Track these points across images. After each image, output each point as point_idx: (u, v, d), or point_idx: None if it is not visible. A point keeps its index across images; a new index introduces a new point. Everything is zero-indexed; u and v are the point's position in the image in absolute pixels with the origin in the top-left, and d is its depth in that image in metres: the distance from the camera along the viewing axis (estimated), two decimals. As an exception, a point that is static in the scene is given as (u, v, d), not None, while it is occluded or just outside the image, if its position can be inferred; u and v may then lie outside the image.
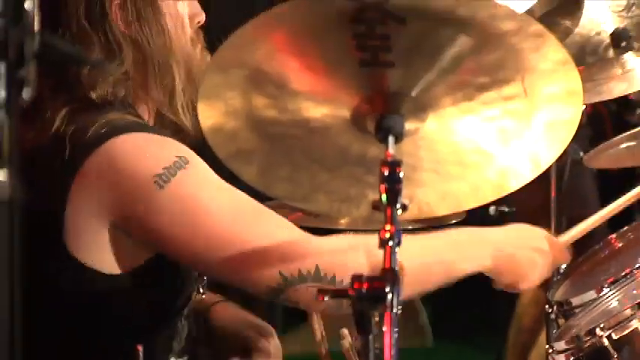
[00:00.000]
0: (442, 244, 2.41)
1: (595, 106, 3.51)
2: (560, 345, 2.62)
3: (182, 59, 2.51)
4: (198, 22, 2.53)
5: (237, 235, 2.37)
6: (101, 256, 2.41)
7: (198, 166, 2.38)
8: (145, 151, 2.39)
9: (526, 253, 2.44)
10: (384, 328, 1.94)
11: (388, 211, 1.96)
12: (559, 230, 3.07)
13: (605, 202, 3.97)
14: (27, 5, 1.83)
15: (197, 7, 2.53)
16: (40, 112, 2.41)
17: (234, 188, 2.40)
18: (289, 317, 3.62)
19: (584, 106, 2.67)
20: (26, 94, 1.80)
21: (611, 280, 2.76)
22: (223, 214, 2.36)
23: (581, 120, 2.17)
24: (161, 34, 2.47)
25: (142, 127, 2.42)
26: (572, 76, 2.04)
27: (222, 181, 2.39)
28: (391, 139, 2.00)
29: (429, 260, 2.38)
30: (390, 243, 1.95)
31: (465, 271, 2.40)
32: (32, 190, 2.29)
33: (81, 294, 2.42)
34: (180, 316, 2.55)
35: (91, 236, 2.40)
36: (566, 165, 3.03)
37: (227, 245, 2.37)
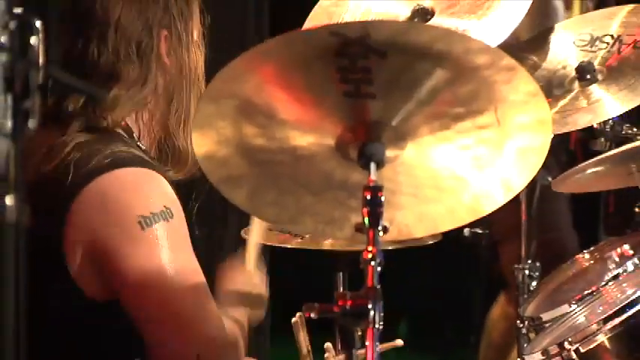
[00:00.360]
0: None
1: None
2: (532, 358, 2.62)
3: (199, 91, 2.55)
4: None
5: (176, 301, 2.41)
6: (93, 283, 2.41)
7: (178, 223, 2.41)
8: (140, 189, 2.42)
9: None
10: (367, 343, 1.94)
11: (370, 234, 1.97)
12: (528, 252, 3.08)
13: (577, 226, 3.99)
14: (32, 40, 1.84)
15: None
16: (56, 138, 2.44)
17: (193, 256, 2.45)
18: (277, 331, 3.63)
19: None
20: (31, 124, 1.80)
21: (579, 297, 2.76)
22: (178, 277, 2.39)
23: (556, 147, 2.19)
24: (190, 67, 2.52)
25: (144, 164, 2.44)
26: (541, 107, 2.04)
27: (188, 244, 2.45)
28: (373, 165, 2.01)
29: None
30: (372, 263, 1.96)
31: None
32: (36, 211, 2.37)
33: (81, 314, 2.42)
34: None
35: (82, 260, 2.41)
36: (536, 190, 3.03)
37: (165, 307, 2.41)
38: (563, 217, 3.88)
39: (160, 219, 2.38)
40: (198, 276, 2.46)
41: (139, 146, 2.51)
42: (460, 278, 4.59)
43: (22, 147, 1.73)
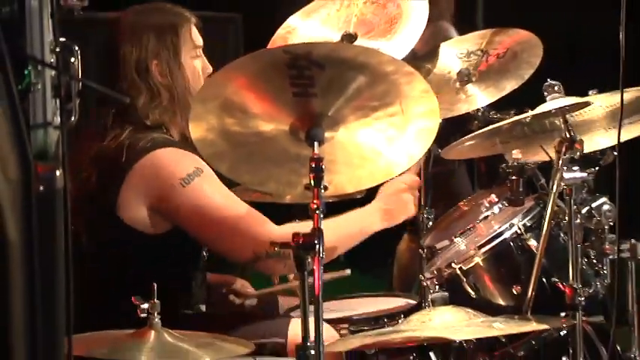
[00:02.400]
0: (351, 224, 2.45)
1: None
2: (429, 275, 2.62)
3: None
4: (208, 73, 2.50)
5: (226, 222, 2.36)
6: (144, 222, 2.38)
7: (208, 173, 2.35)
8: (175, 161, 2.38)
9: (393, 200, 2.49)
10: (314, 267, 1.92)
11: (315, 191, 1.95)
12: (427, 201, 3.04)
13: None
14: (72, 60, 1.79)
15: (206, 63, 2.51)
16: (114, 130, 2.40)
17: (228, 190, 2.39)
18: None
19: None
20: (73, 120, 1.76)
21: (461, 231, 2.76)
22: (219, 208, 2.34)
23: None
24: (184, 82, 2.43)
25: (173, 144, 2.40)
26: (432, 101, 2.03)
27: (221, 184, 2.38)
28: (316, 144, 1.98)
29: (344, 235, 2.43)
30: (317, 212, 1.94)
31: (367, 234, 2.48)
32: (98, 175, 2.39)
33: (125, 247, 2.39)
34: (198, 267, 2.53)
35: (136, 210, 2.38)
36: (430, 158, 3.00)
37: (220, 228, 2.36)
38: (466, 184, 3.84)
39: (194, 176, 2.34)
40: (236, 200, 2.41)
41: (169, 135, 2.46)
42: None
43: (66, 136, 1.69)
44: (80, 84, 1.80)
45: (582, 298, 2.31)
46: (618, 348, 2.43)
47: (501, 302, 2.59)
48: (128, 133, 2.39)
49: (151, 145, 2.36)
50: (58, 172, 1.59)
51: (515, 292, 2.56)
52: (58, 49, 1.73)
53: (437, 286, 2.56)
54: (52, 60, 1.71)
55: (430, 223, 2.91)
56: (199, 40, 2.49)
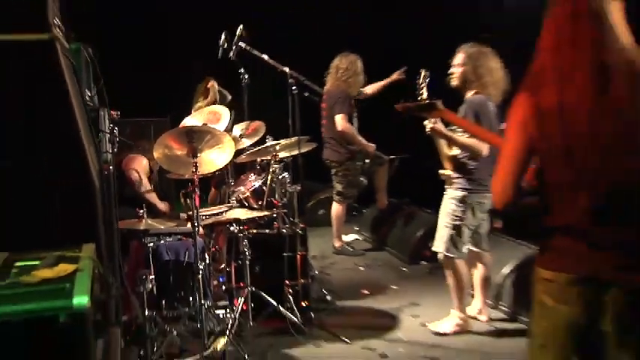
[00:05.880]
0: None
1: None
2: (233, 199, 2.88)
3: None
4: None
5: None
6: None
7: (145, 170, 2.62)
8: (138, 160, 2.70)
9: None
10: (195, 197, 2.28)
11: (195, 173, 2.29)
12: (232, 175, 2.99)
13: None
14: (104, 96, 1.98)
15: None
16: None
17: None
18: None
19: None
20: (115, 149, 2.00)
21: (242, 184, 2.94)
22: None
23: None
24: None
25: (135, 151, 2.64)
26: (231, 143, 2.43)
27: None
28: (197, 158, 2.36)
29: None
30: (195, 178, 2.32)
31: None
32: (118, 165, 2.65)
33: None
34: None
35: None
36: (231, 162, 2.84)
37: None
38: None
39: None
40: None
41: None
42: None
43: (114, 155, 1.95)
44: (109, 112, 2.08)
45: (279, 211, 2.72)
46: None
47: (256, 207, 2.92)
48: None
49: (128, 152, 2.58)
50: (111, 167, 1.97)
51: (260, 203, 2.97)
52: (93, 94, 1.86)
53: (236, 202, 2.94)
54: (92, 101, 1.95)
55: (232, 182, 3.08)
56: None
